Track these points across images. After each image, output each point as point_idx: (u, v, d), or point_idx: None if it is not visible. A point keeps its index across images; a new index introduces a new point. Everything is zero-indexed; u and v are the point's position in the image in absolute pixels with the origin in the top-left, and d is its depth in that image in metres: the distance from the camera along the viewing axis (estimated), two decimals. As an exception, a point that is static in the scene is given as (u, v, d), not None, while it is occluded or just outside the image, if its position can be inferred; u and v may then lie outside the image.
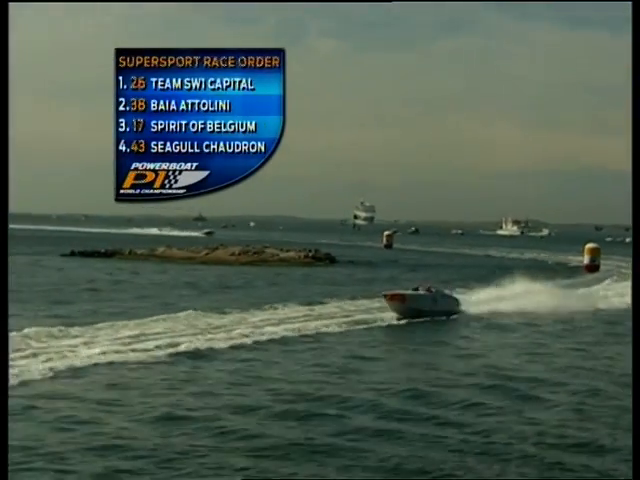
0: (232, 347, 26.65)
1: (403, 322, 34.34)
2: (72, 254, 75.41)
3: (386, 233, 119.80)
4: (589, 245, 71.71)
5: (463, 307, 38.02)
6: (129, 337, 27.15)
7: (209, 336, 28.20)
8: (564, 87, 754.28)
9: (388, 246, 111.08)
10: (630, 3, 9.55)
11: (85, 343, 25.80)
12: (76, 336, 27.02)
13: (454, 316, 36.68)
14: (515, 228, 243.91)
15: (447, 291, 40.14)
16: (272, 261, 71.02)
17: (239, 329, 29.90)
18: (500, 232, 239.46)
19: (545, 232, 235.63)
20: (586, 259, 70.20)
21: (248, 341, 27.82)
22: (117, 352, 24.59)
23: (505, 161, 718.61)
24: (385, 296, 36.01)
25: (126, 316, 32.18)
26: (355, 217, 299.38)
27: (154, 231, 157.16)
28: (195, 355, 25.04)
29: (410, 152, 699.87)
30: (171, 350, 25.33)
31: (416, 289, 36.99)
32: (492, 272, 61.52)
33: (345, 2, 11.27)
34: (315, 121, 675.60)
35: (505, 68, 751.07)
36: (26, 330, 26.83)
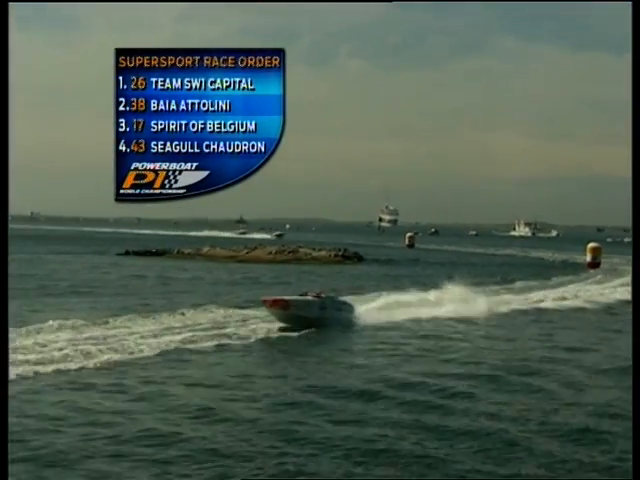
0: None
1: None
2: (127, 253, 75.03)
3: (408, 234, 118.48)
4: (591, 244, 71.08)
5: (357, 315, 29.87)
6: (176, 327, 26.52)
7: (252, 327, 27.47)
8: (568, 102, 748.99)
9: (410, 246, 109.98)
10: (630, 3, 8.65)
11: (137, 332, 25.12)
12: (126, 326, 26.31)
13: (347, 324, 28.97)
14: (527, 230, 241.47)
15: (341, 297, 31.76)
16: (305, 259, 70.32)
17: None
18: (513, 233, 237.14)
19: (554, 233, 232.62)
20: (588, 257, 69.57)
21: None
22: (171, 341, 23.88)
23: (514, 169, 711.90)
24: (264, 302, 28.40)
25: (169, 307, 31.58)
26: (380, 220, 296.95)
27: (205, 232, 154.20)
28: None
29: (430, 160, 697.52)
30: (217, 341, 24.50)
31: (304, 294, 29.48)
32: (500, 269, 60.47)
33: (345, 2, 10.42)
34: (343, 133, 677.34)
35: (514, 85, 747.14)
36: (80, 321, 26.35)
